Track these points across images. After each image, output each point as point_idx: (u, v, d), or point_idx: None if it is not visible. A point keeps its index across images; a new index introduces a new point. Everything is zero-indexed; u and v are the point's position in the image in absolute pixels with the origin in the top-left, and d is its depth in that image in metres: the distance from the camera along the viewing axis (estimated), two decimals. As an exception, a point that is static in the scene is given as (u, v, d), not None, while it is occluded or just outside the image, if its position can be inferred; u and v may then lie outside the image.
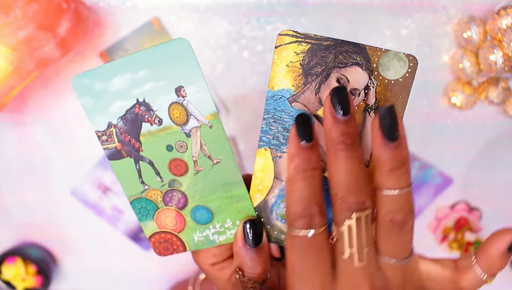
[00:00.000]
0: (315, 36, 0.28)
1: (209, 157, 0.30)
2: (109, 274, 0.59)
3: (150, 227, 0.33)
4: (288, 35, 0.28)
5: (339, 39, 0.28)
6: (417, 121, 0.53)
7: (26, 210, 0.56)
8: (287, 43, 0.28)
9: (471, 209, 0.56)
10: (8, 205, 0.56)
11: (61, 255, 0.58)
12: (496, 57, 0.45)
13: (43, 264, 0.55)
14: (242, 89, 0.51)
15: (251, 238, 0.30)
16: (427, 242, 0.57)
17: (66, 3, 0.42)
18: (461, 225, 0.54)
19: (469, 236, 0.52)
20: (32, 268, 0.54)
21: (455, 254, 0.55)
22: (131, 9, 0.49)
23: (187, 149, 0.30)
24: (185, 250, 0.33)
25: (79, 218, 0.56)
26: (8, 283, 0.55)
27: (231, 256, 0.33)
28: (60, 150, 0.54)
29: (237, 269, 0.31)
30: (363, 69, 0.28)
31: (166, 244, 0.33)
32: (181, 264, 0.58)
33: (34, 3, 0.39)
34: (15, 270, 0.53)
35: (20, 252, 0.54)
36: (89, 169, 0.55)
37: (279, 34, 0.28)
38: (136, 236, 0.57)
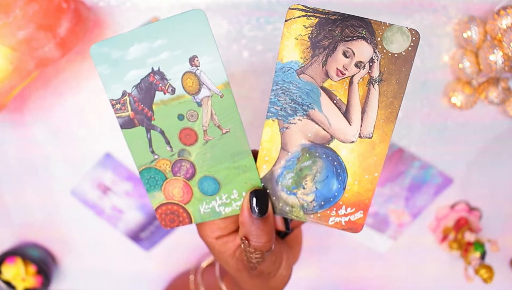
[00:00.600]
0: (323, 11, 0.29)
1: (218, 126, 0.31)
2: (109, 274, 0.59)
3: (157, 198, 0.33)
4: (298, 9, 0.29)
5: (345, 14, 0.29)
6: (417, 121, 0.53)
7: (26, 210, 0.56)
8: (296, 17, 0.29)
9: (471, 209, 0.56)
10: (8, 205, 0.56)
11: (61, 255, 0.58)
12: (496, 57, 0.45)
13: (43, 264, 0.55)
14: (242, 89, 0.51)
15: (257, 208, 0.31)
16: (427, 242, 0.57)
17: (66, 3, 0.42)
18: (461, 225, 0.54)
19: (469, 236, 0.52)
20: (32, 268, 0.54)
21: (455, 254, 0.55)
22: (131, 9, 0.49)
23: (197, 118, 0.31)
24: (191, 222, 0.34)
25: (79, 218, 0.56)
26: (8, 283, 0.55)
27: (235, 230, 0.33)
28: (60, 150, 0.54)
29: (243, 238, 0.31)
30: (368, 43, 0.29)
31: (172, 215, 0.34)
32: (181, 263, 0.58)
33: (34, 3, 0.39)
34: (15, 270, 0.53)
35: (20, 252, 0.54)
36: (89, 169, 0.55)
37: (289, 8, 0.29)
38: (136, 236, 0.57)
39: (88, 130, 0.53)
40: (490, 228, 0.56)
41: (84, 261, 0.58)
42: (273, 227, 0.32)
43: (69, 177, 0.55)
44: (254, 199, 0.31)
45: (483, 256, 0.51)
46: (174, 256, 0.58)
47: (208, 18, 0.29)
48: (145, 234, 0.57)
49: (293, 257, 0.36)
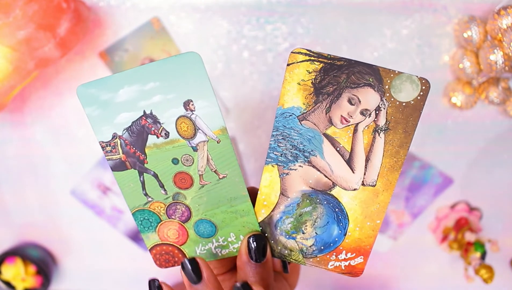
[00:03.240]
0: (328, 56, 0.28)
1: (215, 171, 0.30)
2: (109, 274, 0.59)
3: (151, 239, 0.33)
4: (301, 53, 0.28)
5: (352, 60, 0.28)
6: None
7: (26, 210, 0.56)
8: (299, 61, 0.28)
9: (471, 209, 0.56)
10: (8, 205, 0.56)
11: (61, 255, 0.58)
12: (496, 57, 0.45)
13: (43, 264, 0.55)
14: (242, 89, 0.51)
15: (255, 253, 0.30)
16: (427, 242, 0.57)
17: (66, 3, 0.42)
18: (461, 225, 0.54)
19: (469, 236, 0.52)
20: (32, 268, 0.54)
21: (456, 254, 0.55)
22: (131, 9, 0.49)
23: (193, 163, 0.30)
24: None
25: (79, 218, 0.56)
26: (8, 283, 0.55)
27: (232, 269, 0.33)
28: (60, 150, 0.54)
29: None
30: (375, 90, 0.28)
31: (167, 256, 0.33)
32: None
33: (34, 3, 0.39)
34: (15, 270, 0.53)
35: (20, 252, 0.54)
36: (89, 169, 0.55)
37: (292, 52, 0.28)
38: (135, 236, 0.57)
39: (88, 130, 0.53)
40: (490, 228, 0.56)
41: (84, 261, 0.58)
42: (271, 272, 0.31)
43: (69, 177, 0.55)
44: (252, 244, 0.30)
45: (483, 256, 0.51)
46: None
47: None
48: (145, 234, 0.57)
49: (290, 287, 0.36)
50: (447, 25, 0.49)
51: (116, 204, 0.56)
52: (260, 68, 0.51)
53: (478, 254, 0.51)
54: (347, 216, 0.31)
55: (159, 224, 0.32)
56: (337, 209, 0.30)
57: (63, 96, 0.52)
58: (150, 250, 0.33)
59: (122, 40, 0.50)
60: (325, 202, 0.31)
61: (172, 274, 0.58)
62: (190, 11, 0.49)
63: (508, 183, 0.55)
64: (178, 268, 0.56)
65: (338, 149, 0.29)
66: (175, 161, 0.30)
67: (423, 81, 0.27)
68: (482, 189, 0.55)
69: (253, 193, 0.31)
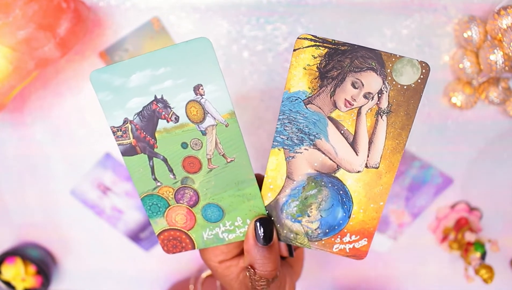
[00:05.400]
0: (333, 41, 0.29)
1: (223, 155, 0.31)
2: (109, 274, 0.59)
3: (159, 224, 0.33)
4: (307, 39, 0.29)
5: (355, 45, 0.29)
6: (417, 121, 0.53)
7: (26, 210, 0.56)
8: (305, 47, 0.29)
9: (471, 209, 0.56)
10: (8, 205, 0.56)
11: (61, 255, 0.58)
12: (497, 57, 0.45)
13: (43, 264, 0.55)
14: (242, 89, 0.51)
15: (262, 236, 0.31)
16: (427, 242, 0.57)
17: (66, 3, 0.42)
18: (461, 225, 0.54)
19: (469, 236, 0.52)
20: (32, 268, 0.54)
21: (456, 254, 0.55)
22: (131, 9, 0.49)
23: (202, 147, 0.31)
24: (193, 248, 0.33)
25: (79, 218, 0.56)
26: (8, 283, 0.55)
27: (238, 254, 0.33)
28: (60, 150, 0.54)
29: (248, 267, 0.31)
30: (377, 74, 0.29)
31: (175, 241, 0.34)
32: (181, 263, 0.58)
33: (34, 3, 0.39)
34: (14, 270, 0.53)
35: (20, 252, 0.54)
36: (89, 169, 0.55)
37: (298, 38, 0.29)
38: (136, 236, 0.57)
39: (88, 130, 0.53)
40: (490, 228, 0.56)
41: (84, 261, 0.58)
42: (278, 255, 0.32)
43: (69, 177, 0.55)
44: (259, 228, 0.31)
45: (483, 256, 0.51)
46: (174, 256, 0.58)
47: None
48: (145, 234, 0.57)
49: (295, 275, 0.36)
50: (447, 25, 0.50)
51: (116, 204, 0.56)
52: (260, 68, 0.51)
53: (478, 254, 0.51)
54: (351, 198, 0.31)
55: (167, 209, 0.33)
56: (341, 192, 0.31)
57: (63, 96, 0.52)
58: (158, 235, 0.33)
59: (122, 40, 0.50)
60: (329, 185, 0.31)
61: (172, 274, 0.59)
62: (190, 11, 0.49)
63: (508, 183, 0.55)
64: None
65: (342, 132, 0.30)
66: (184, 145, 0.31)
67: (423, 64, 0.29)
68: (482, 189, 0.55)
69: (259, 180, 0.32)
